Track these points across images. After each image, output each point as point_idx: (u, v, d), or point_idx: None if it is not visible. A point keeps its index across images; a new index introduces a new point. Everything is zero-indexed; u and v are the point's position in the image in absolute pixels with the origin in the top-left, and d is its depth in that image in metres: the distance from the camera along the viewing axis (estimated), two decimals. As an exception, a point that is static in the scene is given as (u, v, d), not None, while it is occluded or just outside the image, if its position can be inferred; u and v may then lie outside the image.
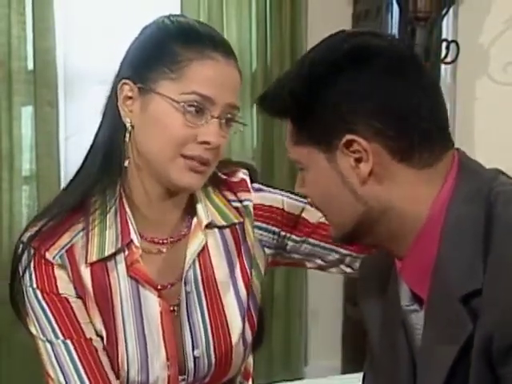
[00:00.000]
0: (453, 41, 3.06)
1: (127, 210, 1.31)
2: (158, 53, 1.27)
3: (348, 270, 1.47)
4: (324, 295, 3.67)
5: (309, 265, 1.48)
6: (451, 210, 1.02)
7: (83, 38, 3.26)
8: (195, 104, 1.24)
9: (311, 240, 1.43)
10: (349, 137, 1.03)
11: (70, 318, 1.27)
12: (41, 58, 3.13)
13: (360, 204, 1.07)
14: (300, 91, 1.07)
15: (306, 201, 1.43)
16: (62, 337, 1.27)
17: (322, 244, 1.43)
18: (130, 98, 1.28)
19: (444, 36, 3.12)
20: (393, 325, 1.16)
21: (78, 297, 1.29)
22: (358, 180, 1.05)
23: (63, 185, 1.42)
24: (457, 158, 1.07)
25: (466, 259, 0.98)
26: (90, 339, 1.27)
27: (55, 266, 1.28)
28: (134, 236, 1.29)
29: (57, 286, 1.28)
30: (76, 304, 1.28)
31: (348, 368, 3.45)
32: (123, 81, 1.28)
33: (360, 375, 1.28)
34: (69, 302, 1.28)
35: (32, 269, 1.28)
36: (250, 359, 1.49)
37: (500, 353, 0.94)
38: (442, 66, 3.16)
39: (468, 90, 3.16)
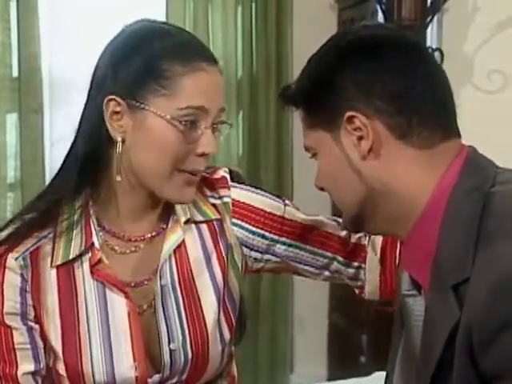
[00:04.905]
0: (437, 48, 3.07)
1: (91, 213, 1.32)
2: (143, 68, 1.25)
3: (336, 275, 1.46)
4: (310, 302, 3.67)
5: (295, 270, 1.47)
6: (453, 200, 1.05)
7: (68, 44, 3.25)
8: (191, 118, 1.24)
9: (297, 243, 1.42)
10: (350, 113, 1.09)
11: (8, 347, 1.30)
12: (26, 65, 3.12)
13: (363, 185, 1.11)
14: (307, 82, 1.16)
15: (286, 202, 1.45)
16: None
17: (309, 247, 1.43)
18: (117, 112, 1.26)
19: (428, 44, 3.13)
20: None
21: (29, 309, 1.30)
22: (359, 156, 1.10)
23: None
24: (466, 151, 1.11)
25: (461, 249, 1.01)
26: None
27: (10, 274, 1.29)
28: (94, 238, 1.31)
29: (2, 307, 1.29)
30: (18, 331, 1.30)
31: (333, 375, 3.45)
32: (108, 97, 1.26)
33: (345, 382, 1.28)
34: (11, 330, 1.29)
35: None
36: (234, 366, 1.48)
37: (480, 343, 0.94)
38: (427, 74, 3.17)
39: (452, 97, 3.17)
